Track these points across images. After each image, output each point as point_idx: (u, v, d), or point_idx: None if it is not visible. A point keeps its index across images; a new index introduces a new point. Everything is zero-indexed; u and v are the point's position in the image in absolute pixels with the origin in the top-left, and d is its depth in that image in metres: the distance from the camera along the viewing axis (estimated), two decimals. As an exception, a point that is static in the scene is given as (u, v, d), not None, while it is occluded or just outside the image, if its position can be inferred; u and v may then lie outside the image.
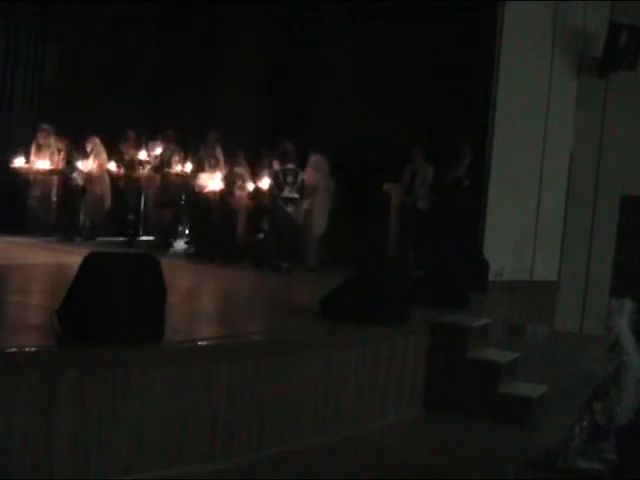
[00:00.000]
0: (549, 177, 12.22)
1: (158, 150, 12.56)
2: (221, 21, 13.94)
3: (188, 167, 12.31)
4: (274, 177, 11.24)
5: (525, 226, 11.87)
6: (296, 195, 11.09)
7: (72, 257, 7.95)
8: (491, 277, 10.25)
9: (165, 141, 12.61)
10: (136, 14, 13.81)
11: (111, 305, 4.71)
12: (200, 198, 11.98)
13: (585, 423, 6.23)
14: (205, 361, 5.29)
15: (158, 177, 12.56)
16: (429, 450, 6.35)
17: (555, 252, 12.60)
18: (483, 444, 6.56)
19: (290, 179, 11.05)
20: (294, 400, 5.92)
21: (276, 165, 11.32)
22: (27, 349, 4.59)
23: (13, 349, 4.50)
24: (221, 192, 11.79)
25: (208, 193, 11.85)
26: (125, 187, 12.78)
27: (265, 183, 11.53)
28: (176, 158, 12.42)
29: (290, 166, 11.13)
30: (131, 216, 12.70)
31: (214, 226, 11.83)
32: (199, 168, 12.03)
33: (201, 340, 5.71)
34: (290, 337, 6.26)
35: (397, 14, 11.88)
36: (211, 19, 13.98)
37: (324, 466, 5.66)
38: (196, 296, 8.76)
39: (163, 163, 12.48)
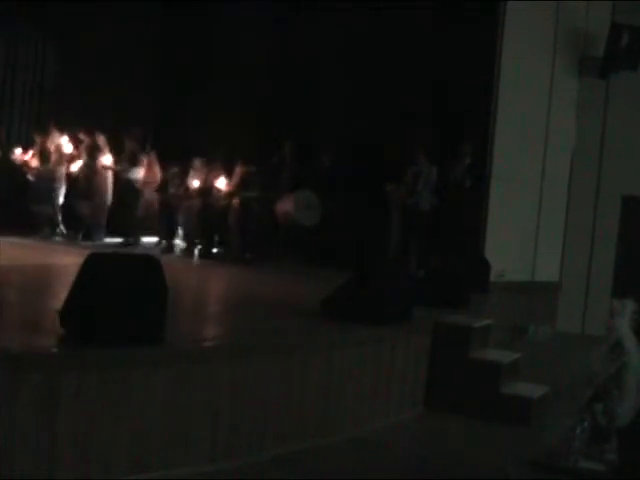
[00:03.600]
0: (550, 177, 12.21)
1: (68, 148, 12.72)
2: (218, 20, 13.94)
3: (108, 160, 12.63)
4: (242, 177, 12.20)
5: (526, 227, 11.86)
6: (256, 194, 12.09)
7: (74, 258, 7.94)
8: (492, 278, 10.23)
9: (89, 134, 12.81)
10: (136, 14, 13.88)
11: (113, 306, 4.70)
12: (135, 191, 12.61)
13: (586, 424, 6.23)
14: (207, 361, 5.29)
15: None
16: (430, 450, 6.35)
17: (557, 252, 12.60)
18: (484, 444, 6.56)
19: (256, 179, 12.13)
20: (296, 400, 5.92)
21: (240, 167, 12.23)
22: (29, 350, 4.58)
23: (15, 350, 4.50)
24: (159, 189, 12.74)
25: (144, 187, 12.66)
26: (37, 178, 12.73)
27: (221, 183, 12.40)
28: (101, 151, 12.64)
29: (255, 168, 12.22)
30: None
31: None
32: (131, 162, 12.57)
33: (202, 340, 5.71)
34: (292, 337, 6.25)
35: (398, 14, 11.88)
36: (209, 18, 13.99)
37: (326, 466, 5.66)
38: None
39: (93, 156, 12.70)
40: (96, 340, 4.66)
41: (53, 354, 4.64)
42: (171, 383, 5.00)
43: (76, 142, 12.94)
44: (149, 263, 5.10)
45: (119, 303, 4.72)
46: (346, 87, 12.53)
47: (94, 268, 4.80)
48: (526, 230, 11.86)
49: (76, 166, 12.69)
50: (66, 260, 9.73)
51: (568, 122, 12.52)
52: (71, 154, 12.80)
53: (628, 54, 12.11)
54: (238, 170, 12.25)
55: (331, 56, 12.79)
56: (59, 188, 12.68)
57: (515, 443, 6.57)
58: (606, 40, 12.21)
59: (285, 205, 12.14)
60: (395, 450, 6.27)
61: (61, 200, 12.75)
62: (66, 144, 12.78)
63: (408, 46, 11.91)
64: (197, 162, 12.68)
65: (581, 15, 12.41)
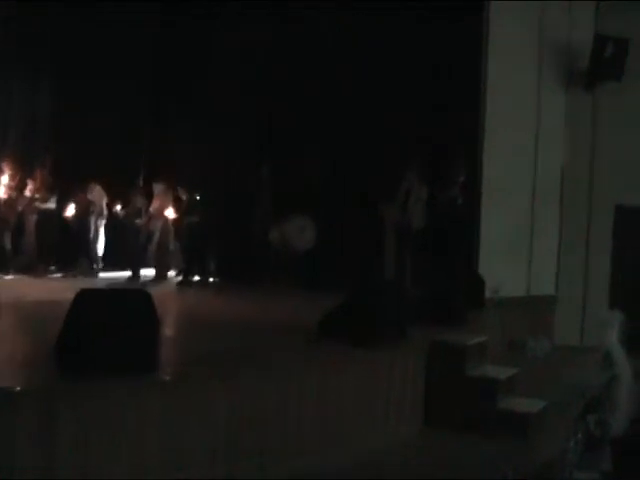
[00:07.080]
0: (542, 190, 12.23)
1: None
2: (200, 40, 14.03)
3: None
4: (187, 203, 12.95)
5: (520, 241, 11.87)
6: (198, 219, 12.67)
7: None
8: (487, 294, 10.23)
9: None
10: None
11: (105, 340, 4.75)
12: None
13: (580, 435, 6.26)
14: (204, 383, 5.33)
15: None
16: (429, 467, 6.37)
17: (551, 265, 12.60)
18: (483, 460, 6.57)
19: (200, 205, 12.80)
20: (294, 420, 5.96)
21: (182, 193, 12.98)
22: (24, 385, 4.63)
23: (10, 385, 4.54)
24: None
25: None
26: None
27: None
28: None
29: (199, 195, 12.92)
30: None
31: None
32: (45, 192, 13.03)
33: (200, 362, 5.76)
34: (289, 358, 6.30)
35: (394, 21, 11.95)
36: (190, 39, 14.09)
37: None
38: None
39: None
40: (91, 374, 4.69)
41: (49, 389, 4.67)
42: (168, 407, 5.03)
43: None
44: (139, 297, 5.15)
45: (111, 337, 4.77)
46: (333, 104, 12.53)
47: (84, 304, 4.86)
48: (520, 244, 11.87)
49: None
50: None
51: (557, 135, 12.57)
52: None
53: (613, 65, 12.17)
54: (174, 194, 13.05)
55: (318, 71, 12.78)
56: None
57: (513, 458, 6.58)
58: (591, 52, 12.28)
59: (280, 229, 12.20)
60: (394, 468, 6.29)
61: None
62: None
63: (395, 63, 11.98)
64: (94, 187, 13.35)
65: (565, 28, 12.49)
